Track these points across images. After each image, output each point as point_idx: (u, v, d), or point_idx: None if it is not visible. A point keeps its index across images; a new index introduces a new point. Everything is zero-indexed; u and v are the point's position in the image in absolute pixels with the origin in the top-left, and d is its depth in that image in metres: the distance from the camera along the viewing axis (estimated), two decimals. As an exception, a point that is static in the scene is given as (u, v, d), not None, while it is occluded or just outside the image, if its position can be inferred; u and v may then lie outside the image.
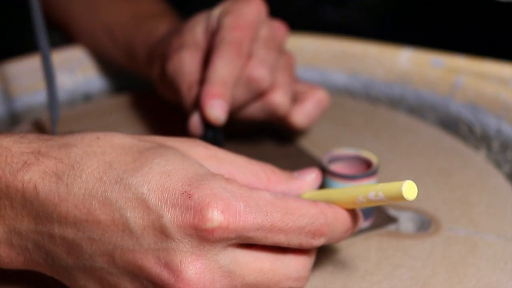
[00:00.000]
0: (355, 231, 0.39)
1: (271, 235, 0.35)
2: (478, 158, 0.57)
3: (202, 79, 0.51)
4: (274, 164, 0.55)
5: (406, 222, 0.48)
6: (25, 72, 0.66)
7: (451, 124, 0.65)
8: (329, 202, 0.38)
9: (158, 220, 0.34)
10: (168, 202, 0.34)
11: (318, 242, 0.37)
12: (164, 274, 0.34)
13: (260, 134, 0.60)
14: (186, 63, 0.52)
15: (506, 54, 0.72)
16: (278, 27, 0.56)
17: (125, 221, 0.34)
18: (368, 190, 0.36)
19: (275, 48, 0.54)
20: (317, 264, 0.43)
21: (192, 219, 0.34)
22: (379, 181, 0.52)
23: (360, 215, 0.40)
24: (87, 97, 0.70)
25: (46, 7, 0.74)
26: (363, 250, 0.45)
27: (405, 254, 0.44)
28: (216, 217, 0.34)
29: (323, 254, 0.44)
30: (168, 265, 0.34)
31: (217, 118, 0.48)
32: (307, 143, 0.59)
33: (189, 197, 0.34)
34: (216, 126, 0.49)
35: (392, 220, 0.48)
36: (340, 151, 0.48)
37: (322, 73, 0.74)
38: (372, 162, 0.46)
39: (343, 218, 0.38)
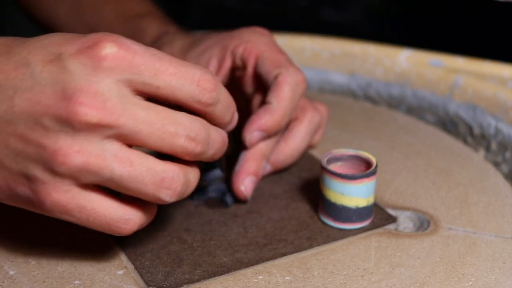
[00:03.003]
0: (233, 115, 0.42)
1: (163, 78, 0.37)
2: (477, 158, 0.57)
3: None
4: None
5: (405, 221, 0.48)
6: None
7: (450, 124, 0.66)
8: None
9: (57, 57, 0.36)
10: (69, 42, 0.37)
11: (210, 95, 0.39)
12: (60, 103, 0.35)
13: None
14: None
15: (505, 54, 0.72)
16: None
17: (26, 63, 0.37)
18: None
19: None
20: (316, 263, 0.43)
21: (86, 48, 0.36)
22: (378, 181, 0.52)
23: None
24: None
25: (31, 10, 0.75)
26: (362, 249, 0.45)
27: (404, 253, 0.44)
28: (109, 46, 0.36)
29: (322, 253, 0.44)
30: (64, 94, 0.35)
31: (246, 197, 0.50)
32: (306, 143, 0.59)
33: (87, 35, 0.37)
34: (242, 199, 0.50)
35: (391, 219, 0.48)
36: (340, 151, 0.48)
37: (322, 73, 0.75)
38: (372, 162, 0.47)
39: (226, 90, 0.41)
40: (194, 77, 0.38)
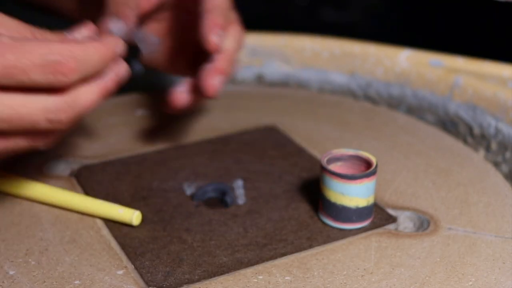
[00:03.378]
0: (114, 57, 0.41)
1: (11, 75, 0.36)
2: (477, 158, 0.57)
3: None
4: (273, 164, 0.55)
5: (405, 221, 0.48)
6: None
7: (450, 124, 0.66)
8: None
9: None
10: None
11: (70, 77, 0.37)
12: None
13: (260, 134, 0.61)
14: None
15: (505, 54, 0.72)
16: None
17: None
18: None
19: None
20: (316, 263, 0.43)
21: None
22: (378, 181, 0.52)
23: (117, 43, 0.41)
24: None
25: None
26: (362, 249, 0.45)
27: (404, 253, 0.44)
28: None
29: (322, 253, 0.44)
30: None
31: (218, 46, 0.50)
32: (307, 143, 0.59)
33: None
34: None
35: (391, 219, 0.48)
36: (340, 151, 0.48)
37: (322, 73, 0.75)
38: (372, 162, 0.47)
39: (94, 48, 0.39)
40: (46, 68, 0.37)
